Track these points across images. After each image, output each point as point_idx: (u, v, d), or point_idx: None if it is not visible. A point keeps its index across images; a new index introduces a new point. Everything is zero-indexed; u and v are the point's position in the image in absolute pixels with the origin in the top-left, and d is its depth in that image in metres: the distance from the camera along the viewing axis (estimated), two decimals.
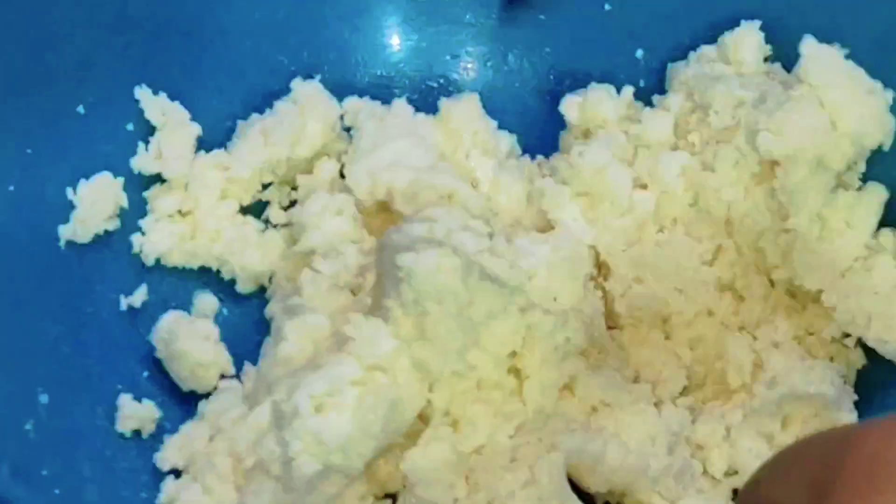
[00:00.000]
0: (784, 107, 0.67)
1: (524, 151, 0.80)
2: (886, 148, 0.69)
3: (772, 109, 0.68)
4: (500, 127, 0.79)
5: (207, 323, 0.72)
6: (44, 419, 0.63)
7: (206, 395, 0.70)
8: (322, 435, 0.60)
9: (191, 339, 0.71)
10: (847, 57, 0.70)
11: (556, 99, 0.78)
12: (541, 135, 0.80)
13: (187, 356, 0.70)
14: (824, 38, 0.71)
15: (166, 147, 0.74)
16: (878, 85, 0.69)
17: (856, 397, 0.66)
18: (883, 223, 0.68)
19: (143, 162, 0.74)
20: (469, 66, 0.83)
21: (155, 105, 0.75)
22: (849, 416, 0.64)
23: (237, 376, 0.71)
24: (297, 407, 0.61)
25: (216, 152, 0.76)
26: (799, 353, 0.67)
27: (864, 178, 0.70)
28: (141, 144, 0.74)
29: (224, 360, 0.72)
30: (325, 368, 0.61)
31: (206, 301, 0.74)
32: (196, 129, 0.76)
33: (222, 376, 0.71)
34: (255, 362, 0.71)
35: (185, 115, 0.76)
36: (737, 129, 0.70)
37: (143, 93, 0.74)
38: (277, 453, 0.62)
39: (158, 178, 0.75)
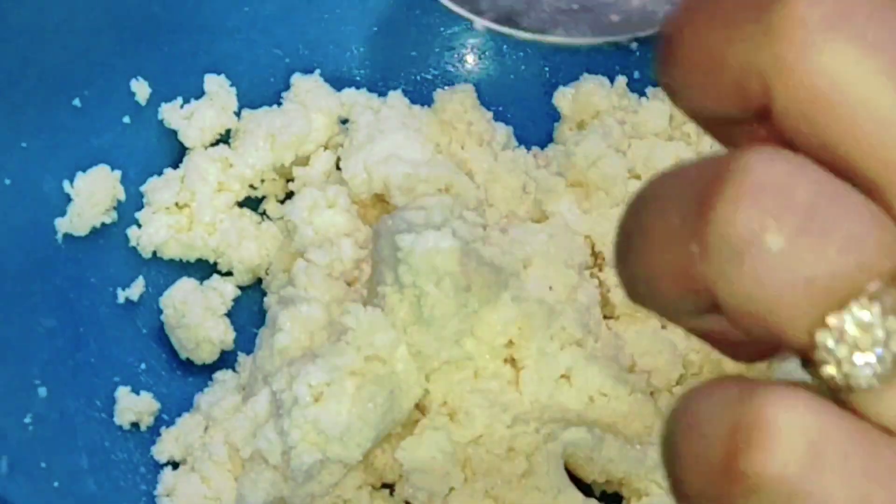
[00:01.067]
0: None
1: (519, 143, 0.80)
2: None
3: None
4: (495, 118, 0.79)
5: (218, 297, 0.73)
6: (42, 412, 0.64)
7: (204, 368, 0.71)
8: (321, 424, 0.60)
9: (201, 311, 0.71)
10: None
11: (550, 90, 0.79)
12: (536, 126, 0.80)
13: (195, 328, 0.71)
14: None
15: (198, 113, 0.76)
16: None
17: None
18: None
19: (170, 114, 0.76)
20: (464, 57, 0.83)
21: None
22: None
23: (234, 355, 0.72)
24: (296, 397, 0.61)
25: (219, 148, 0.76)
26: None
27: None
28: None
29: (229, 336, 0.72)
30: (324, 358, 0.62)
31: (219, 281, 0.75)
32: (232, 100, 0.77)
33: (223, 352, 0.72)
34: (249, 353, 0.72)
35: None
36: None
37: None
38: (276, 443, 0.62)
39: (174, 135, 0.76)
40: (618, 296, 0.71)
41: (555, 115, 0.79)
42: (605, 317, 0.71)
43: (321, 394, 0.61)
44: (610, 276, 0.72)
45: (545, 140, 0.79)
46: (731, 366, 0.68)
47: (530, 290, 0.67)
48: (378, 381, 0.62)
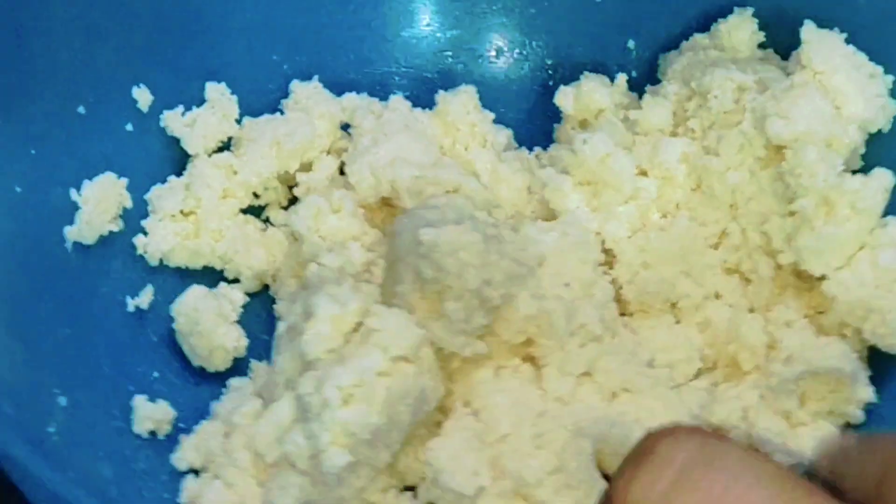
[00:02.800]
0: (791, 92, 0.68)
1: (519, 143, 0.80)
2: (886, 131, 0.70)
3: (778, 94, 0.69)
4: (495, 120, 0.79)
5: (229, 303, 0.72)
6: (64, 422, 0.62)
7: (216, 376, 0.71)
8: (351, 426, 0.60)
9: (213, 318, 0.70)
10: (845, 42, 0.71)
11: (549, 91, 0.79)
12: (535, 127, 0.81)
13: (208, 335, 0.70)
14: (818, 23, 0.72)
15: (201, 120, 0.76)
16: (879, 69, 0.70)
17: (870, 372, 0.67)
18: (890, 212, 0.69)
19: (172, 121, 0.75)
20: (464, 59, 0.83)
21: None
22: (865, 391, 0.65)
23: (245, 362, 0.71)
24: (326, 399, 0.60)
25: (223, 155, 0.75)
26: (812, 331, 0.68)
27: (865, 160, 0.71)
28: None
29: (242, 343, 0.72)
30: (352, 361, 0.61)
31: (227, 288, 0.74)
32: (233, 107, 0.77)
33: (235, 359, 0.71)
34: (260, 359, 0.71)
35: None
36: (739, 113, 0.71)
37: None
38: (304, 447, 0.61)
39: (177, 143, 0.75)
40: (631, 292, 0.72)
41: (555, 115, 0.79)
42: (619, 313, 0.71)
43: (351, 395, 0.60)
44: (622, 272, 0.72)
45: (545, 140, 0.80)
46: (747, 360, 0.68)
47: (546, 288, 0.67)
48: (406, 382, 0.61)
